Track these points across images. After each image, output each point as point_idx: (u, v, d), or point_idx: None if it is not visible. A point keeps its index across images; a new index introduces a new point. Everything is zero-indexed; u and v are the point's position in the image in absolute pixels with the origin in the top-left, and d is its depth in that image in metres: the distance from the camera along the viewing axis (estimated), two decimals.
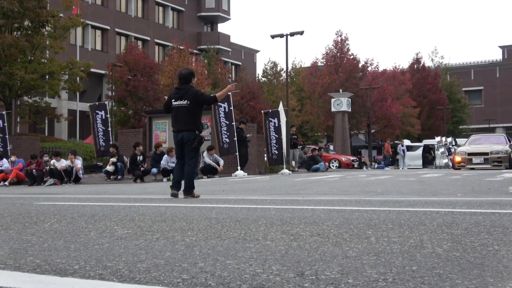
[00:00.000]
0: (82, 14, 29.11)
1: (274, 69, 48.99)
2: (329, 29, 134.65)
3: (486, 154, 18.17)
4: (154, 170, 16.24)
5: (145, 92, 31.69)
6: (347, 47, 39.61)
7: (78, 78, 29.57)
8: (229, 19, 54.46)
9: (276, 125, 20.54)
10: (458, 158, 18.83)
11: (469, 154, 18.42)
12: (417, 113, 44.35)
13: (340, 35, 39.58)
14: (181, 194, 7.14)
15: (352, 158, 28.93)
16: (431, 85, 47.72)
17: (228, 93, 18.98)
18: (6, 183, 17.27)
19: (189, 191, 7.23)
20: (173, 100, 7.53)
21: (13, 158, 18.21)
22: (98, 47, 42.82)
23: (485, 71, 61.28)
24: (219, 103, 18.27)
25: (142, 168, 16.28)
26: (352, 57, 39.34)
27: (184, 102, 7.35)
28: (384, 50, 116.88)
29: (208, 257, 2.31)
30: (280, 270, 2.02)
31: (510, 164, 17.69)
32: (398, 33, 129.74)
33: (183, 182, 7.28)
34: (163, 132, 19.42)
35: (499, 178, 10.10)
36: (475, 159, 18.14)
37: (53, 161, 16.79)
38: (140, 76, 32.12)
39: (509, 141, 19.26)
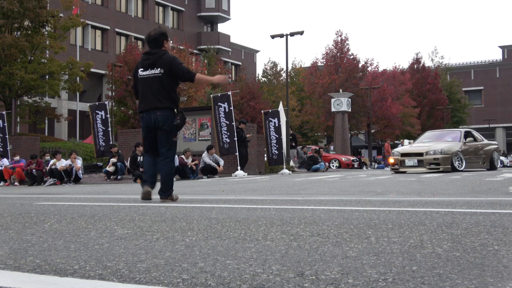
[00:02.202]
0: (82, 14, 29.13)
1: (274, 69, 49.04)
2: (329, 29, 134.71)
3: (420, 155, 14.76)
4: None
5: None
6: (347, 47, 39.67)
7: (78, 78, 29.62)
8: (229, 19, 54.51)
9: (276, 125, 20.56)
10: (391, 160, 15.61)
11: (403, 155, 15.13)
12: (417, 113, 44.39)
13: (340, 35, 39.64)
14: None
15: (352, 158, 28.96)
16: (431, 85, 47.78)
17: (228, 93, 19.04)
18: (17, 183, 17.36)
19: (168, 193, 5.89)
20: (141, 69, 5.86)
21: (17, 158, 18.26)
22: (98, 47, 42.83)
23: (485, 71, 61.33)
24: (218, 103, 18.28)
25: (142, 169, 16.28)
26: (352, 57, 39.40)
27: (157, 71, 5.73)
28: (384, 50, 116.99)
29: (208, 257, 2.31)
30: (280, 270, 2.02)
31: (453, 166, 14.40)
32: (398, 33, 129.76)
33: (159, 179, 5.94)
34: None
35: (499, 178, 10.10)
36: (408, 161, 14.78)
37: (53, 161, 16.80)
38: None
39: (465, 139, 15.67)
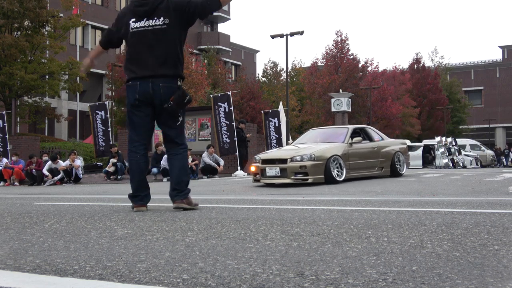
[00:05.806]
0: (82, 14, 29.15)
1: (274, 69, 49.04)
2: (329, 29, 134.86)
3: (284, 161, 10.43)
4: (155, 170, 16.24)
5: None
6: (347, 47, 39.69)
7: (78, 78, 29.62)
8: (229, 19, 54.52)
9: (276, 125, 20.57)
10: (252, 168, 11.30)
11: (264, 161, 10.79)
12: (417, 113, 44.39)
13: (340, 35, 39.65)
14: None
15: None
16: (431, 85, 47.77)
17: (228, 93, 19.00)
18: (17, 183, 17.37)
19: (185, 194, 4.45)
20: (133, 19, 4.24)
21: (14, 158, 18.26)
22: None
23: (485, 71, 61.32)
24: (218, 103, 18.28)
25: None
26: (352, 57, 39.43)
27: (159, 21, 4.16)
28: (384, 50, 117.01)
29: (208, 257, 2.31)
30: (280, 270, 2.02)
31: (327, 175, 10.18)
32: (398, 33, 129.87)
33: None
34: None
35: (499, 178, 10.11)
36: (269, 170, 10.47)
37: (48, 168, 16.68)
38: None
39: (351, 138, 11.36)
